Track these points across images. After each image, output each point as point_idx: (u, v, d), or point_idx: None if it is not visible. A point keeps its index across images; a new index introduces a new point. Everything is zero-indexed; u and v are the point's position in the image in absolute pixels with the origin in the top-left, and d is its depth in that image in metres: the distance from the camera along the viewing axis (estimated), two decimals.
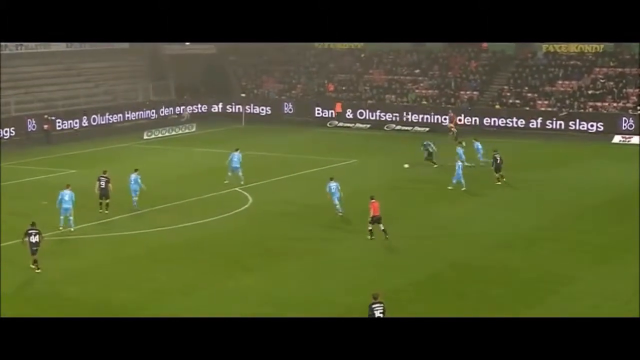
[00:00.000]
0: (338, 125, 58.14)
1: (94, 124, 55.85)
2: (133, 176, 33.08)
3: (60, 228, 29.62)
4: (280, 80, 65.01)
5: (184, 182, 38.71)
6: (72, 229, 29.60)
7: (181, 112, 60.96)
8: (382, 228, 27.95)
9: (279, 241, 28.86)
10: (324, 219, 31.05)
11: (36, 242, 25.27)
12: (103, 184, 32.05)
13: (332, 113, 58.90)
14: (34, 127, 52.53)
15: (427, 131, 53.45)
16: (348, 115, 58.48)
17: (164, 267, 26.19)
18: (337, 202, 31.05)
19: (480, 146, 41.01)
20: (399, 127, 56.65)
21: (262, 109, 61.53)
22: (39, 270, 25.38)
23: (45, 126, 51.60)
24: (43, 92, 56.37)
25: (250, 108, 60.99)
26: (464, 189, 35.56)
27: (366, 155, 44.76)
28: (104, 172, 32.67)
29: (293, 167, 41.63)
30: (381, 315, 17.97)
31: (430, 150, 41.40)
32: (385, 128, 56.89)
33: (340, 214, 31.04)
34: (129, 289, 24.03)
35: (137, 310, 21.85)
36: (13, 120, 51.97)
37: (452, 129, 50.59)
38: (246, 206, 33.88)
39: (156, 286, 24.35)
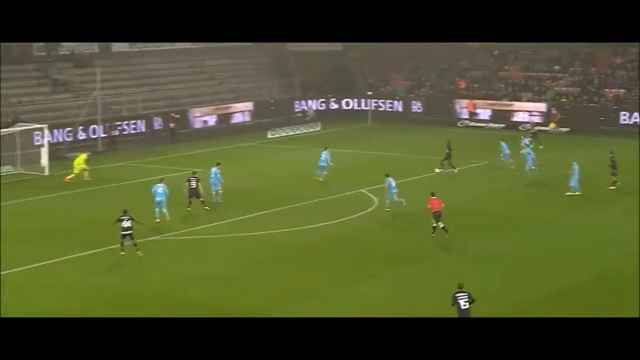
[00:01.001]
0: (469, 124, 55.25)
1: (220, 122, 55.45)
2: (214, 170, 33.10)
3: (157, 220, 29.69)
4: (408, 78, 62.61)
5: (308, 182, 37.78)
6: (167, 218, 29.88)
7: (306, 110, 59.59)
8: (442, 225, 27.77)
9: (404, 244, 28.02)
10: (451, 224, 28.85)
11: (128, 227, 25.98)
12: (194, 184, 32.00)
13: (463, 112, 56.22)
14: (160, 125, 52.36)
15: (567, 132, 49.75)
16: (481, 115, 55.63)
17: (288, 269, 25.56)
18: (394, 198, 31.41)
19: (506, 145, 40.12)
20: (536, 128, 53.05)
21: (390, 107, 59.47)
22: (139, 252, 26.01)
23: (172, 124, 51.31)
24: (169, 89, 56.22)
25: (377, 106, 58.98)
26: (569, 193, 34.47)
27: (498, 157, 41.70)
28: (194, 173, 32.86)
29: (420, 169, 40.22)
30: (467, 305, 18.22)
31: (450, 153, 39.49)
32: (520, 128, 53.49)
33: (404, 204, 31.27)
34: (251, 292, 23.36)
35: (258, 314, 21.00)
36: (140, 118, 51.95)
37: (548, 128, 47.50)
38: (371, 208, 32.88)
39: (279, 290, 23.56)
